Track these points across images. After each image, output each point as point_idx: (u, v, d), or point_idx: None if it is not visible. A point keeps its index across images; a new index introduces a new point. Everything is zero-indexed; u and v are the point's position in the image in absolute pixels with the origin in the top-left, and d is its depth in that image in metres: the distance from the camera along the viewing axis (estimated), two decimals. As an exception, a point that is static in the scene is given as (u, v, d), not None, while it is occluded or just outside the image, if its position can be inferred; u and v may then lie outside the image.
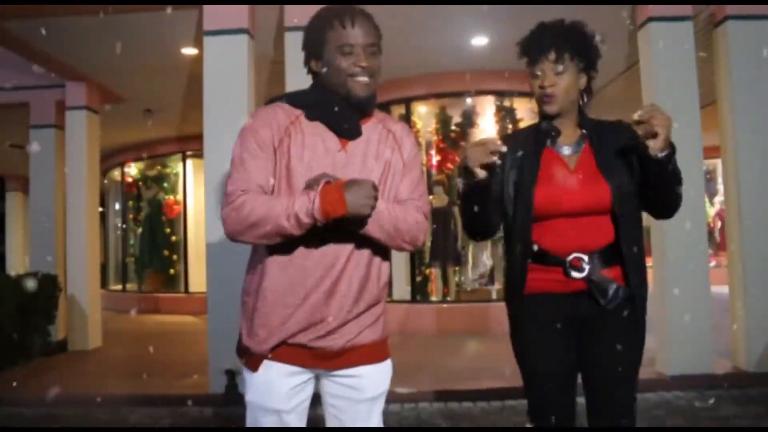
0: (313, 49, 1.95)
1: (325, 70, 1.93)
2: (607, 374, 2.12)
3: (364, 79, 1.90)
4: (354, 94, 1.90)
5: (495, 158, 2.01)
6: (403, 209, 1.92)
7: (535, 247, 2.17)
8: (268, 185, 1.87)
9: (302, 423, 1.99)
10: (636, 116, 1.95)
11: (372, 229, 1.85)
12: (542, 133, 2.27)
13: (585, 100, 2.26)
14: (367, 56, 1.90)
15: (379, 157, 1.95)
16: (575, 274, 2.11)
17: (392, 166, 1.97)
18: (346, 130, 1.93)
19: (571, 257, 2.11)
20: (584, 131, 2.23)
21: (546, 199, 2.15)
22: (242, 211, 1.79)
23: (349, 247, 1.89)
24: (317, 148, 1.89)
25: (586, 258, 2.10)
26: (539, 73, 2.17)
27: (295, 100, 1.98)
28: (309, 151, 1.88)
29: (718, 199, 14.15)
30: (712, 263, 11.10)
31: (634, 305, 2.12)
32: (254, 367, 1.93)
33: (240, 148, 1.90)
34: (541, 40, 2.17)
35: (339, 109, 1.92)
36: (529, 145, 2.26)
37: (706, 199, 12.39)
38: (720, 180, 13.83)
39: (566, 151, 2.23)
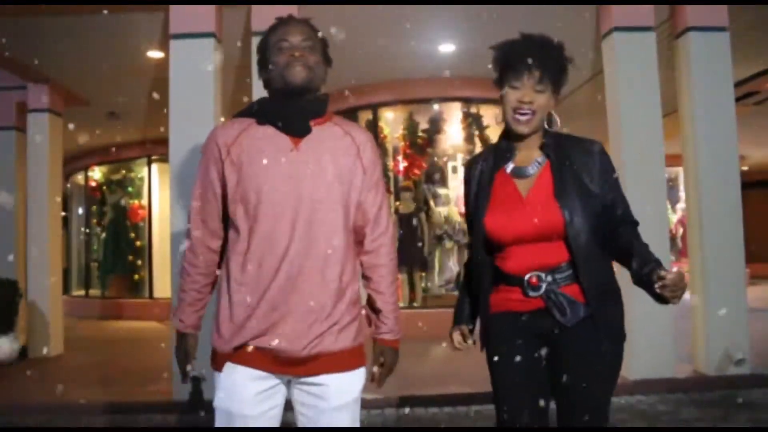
0: (261, 57, 2.08)
1: (269, 70, 2.04)
2: (571, 390, 2.09)
3: (297, 67, 1.97)
4: (289, 81, 1.98)
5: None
6: (379, 265, 2.09)
7: (495, 271, 2.22)
8: (218, 223, 2.04)
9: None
10: (663, 280, 1.85)
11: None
12: (499, 154, 2.27)
13: (552, 124, 2.22)
14: (300, 49, 1.99)
15: (335, 156, 1.98)
16: (532, 293, 2.12)
17: (349, 171, 2.00)
18: (294, 127, 1.98)
19: (528, 276, 2.12)
20: (544, 153, 2.19)
21: (495, 228, 2.17)
22: (182, 265, 2.07)
23: (308, 248, 1.91)
24: (267, 150, 1.94)
25: (543, 276, 2.10)
26: (518, 85, 2.13)
27: (245, 110, 2.07)
28: (259, 155, 1.94)
29: (680, 206, 14.40)
30: (674, 269, 11.29)
31: (595, 322, 2.08)
32: (219, 367, 1.95)
33: (201, 171, 2.04)
34: (527, 54, 2.12)
35: (285, 108, 1.99)
36: (486, 168, 2.28)
37: (668, 206, 12.60)
38: (682, 187, 14.09)
39: (521, 173, 2.21)
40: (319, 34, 2.10)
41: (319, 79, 2.05)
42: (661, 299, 1.89)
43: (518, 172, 2.21)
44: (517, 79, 2.14)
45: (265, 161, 1.92)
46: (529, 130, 2.17)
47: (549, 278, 2.10)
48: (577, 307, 2.08)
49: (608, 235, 2.11)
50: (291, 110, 1.99)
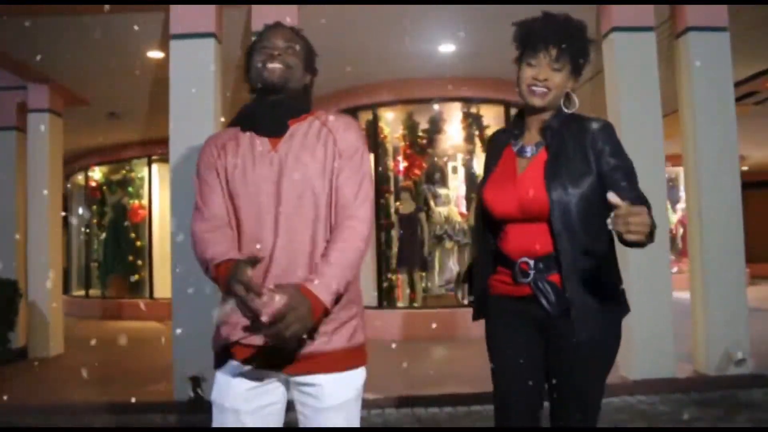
0: (247, 65, 2.10)
1: (250, 73, 2.07)
2: (557, 380, 2.10)
3: (273, 65, 1.99)
4: (265, 77, 2.00)
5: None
6: (341, 247, 1.87)
7: (497, 251, 2.23)
8: (222, 210, 1.98)
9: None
10: (612, 218, 1.72)
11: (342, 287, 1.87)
12: (510, 131, 2.30)
13: (570, 105, 2.20)
14: (279, 49, 2.02)
15: (313, 151, 1.96)
16: (522, 279, 2.12)
17: (328, 162, 1.97)
18: (268, 127, 1.99)
19: (520, 261, 2.13)
20: (542, 135, 2.18)
21: (489, 200, 2.20)
22: (194, 250, 1.96)
23: (294, 246, 1.90)
24: (247, 156, 1.97)
25: (532, 263, 2.10)
26: (535, 63, 2.13)
27: (234, 119, 2.09)
28: (241, 160, 1.97)
29: (680, 206, 14.40)
30: (674, 269, 11.31)
31: (571, 312, 2.03)
32: (215, 364, 1.99)
33: (197, 173, 2.06)
34: (546, 32, 2.12)
35: (259, 107, 2.03)
36: (499, 143, 2.32)
37: (669, 206, 12.60)
38: (682, 187, 14.09)
39: (524, 152, 2.22)
40: (305, 43, 2.10)
41: (297, 81, 2.05)
42: (628, 241, 1.74)
43: (521, 151, 2.23)
44: (534, 56, 2.13)
45: (244, 167, 1.95)
46: (544, 104, 2.15)
47: (540, 265, 2.09)
48: (560, 296, 2.07)
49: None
50: (264, 108, 2.01)
